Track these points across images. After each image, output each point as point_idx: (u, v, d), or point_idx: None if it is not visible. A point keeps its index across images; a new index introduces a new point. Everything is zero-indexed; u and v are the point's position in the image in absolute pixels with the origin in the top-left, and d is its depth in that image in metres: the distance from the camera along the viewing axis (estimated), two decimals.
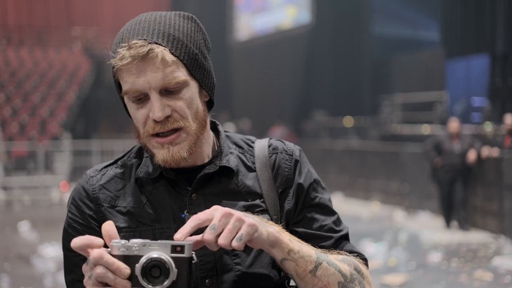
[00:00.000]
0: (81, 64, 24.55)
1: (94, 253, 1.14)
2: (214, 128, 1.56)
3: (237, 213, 1.23)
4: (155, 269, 1.16)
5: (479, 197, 10.42)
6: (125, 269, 1.15)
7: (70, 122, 20.95)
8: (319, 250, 1.39)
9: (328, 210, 1.54)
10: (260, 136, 1.80)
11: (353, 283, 1.41)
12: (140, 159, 1.50)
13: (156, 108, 1.34)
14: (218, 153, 1.49)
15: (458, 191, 10.30)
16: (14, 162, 17.65)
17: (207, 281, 1.39)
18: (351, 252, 1.50)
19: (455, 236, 9.97)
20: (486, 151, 10.14)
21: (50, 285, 7.20)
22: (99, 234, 1.36)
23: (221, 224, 1.21)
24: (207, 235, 1.21)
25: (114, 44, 1.38)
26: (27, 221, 11.14)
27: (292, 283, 1.49)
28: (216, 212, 1.23)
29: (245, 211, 1.39)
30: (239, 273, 1.41)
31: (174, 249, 1.17)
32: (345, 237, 1.54)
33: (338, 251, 1.47)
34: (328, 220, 1.52)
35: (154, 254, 1.16)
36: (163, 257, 1.16)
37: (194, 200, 1.43)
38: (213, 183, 1.46)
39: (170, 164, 1.39)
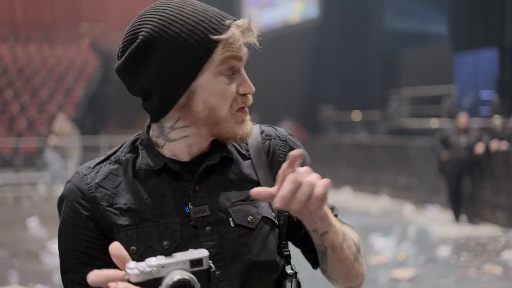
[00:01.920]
0: (88, 60, 24.59)
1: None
2: None
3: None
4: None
5: (488, 190, 10.38)
6: None
7: (78, 118, 20.98)
8: (338, 220, 1.46)
9: None
10: None
11: (359, 253, 1.49)
12: (135, 153, 1.46)
13: (249, 81, 1.42)
14: (216, 143, 1.46)
15: (466, 185, 10.28)
16: (23, 159, 17.70)
17: (217, 272, 1.37)
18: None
19: (464, 230, 9.94)
20: (495, 145, 10.10)
21: (59, 281, 7.16)
22: (98, 233, 1.37)
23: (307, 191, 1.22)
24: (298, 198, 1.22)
25: (208, 23, 1.36)
26: (36, 217, 11.18)
27: (288, 269, 1.49)
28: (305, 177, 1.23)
29: (247, 200, 1.42)
30: (248, 262, 1.40)
31: (193, 264, 1.15)
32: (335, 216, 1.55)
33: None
34: None
35: (178, 275, 1.12)
36: (186, 277, 1.12)
37: (198, 192, 1.40)
38: (214, 174, 1.44)
39: (245, 139, 1.44)
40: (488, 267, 7.61)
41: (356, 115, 18.65)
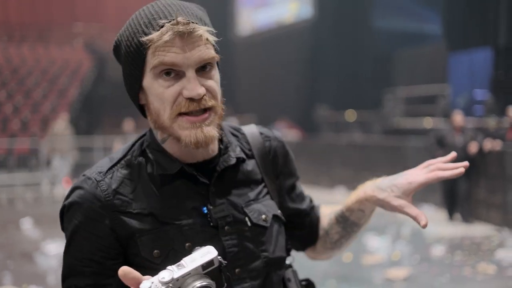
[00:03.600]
0: (83, 61, 24.54)
1: None
2: None
3: None
4: None
5: (482, 190, 10.39)
6: None
7: (72, 118, 20.92)
8: None
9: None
10: None
11: None
12: (145, 156, 1.46)
13: (196, 85, 1.33)
14: (228, 144, 1.50)
15: (461, 184, 10.28)
16: (16, 159, 17.66)
17: (237, 270, 1.41)
18: (312, 206, 1.75)
19: (459, 229, 9.95)
20: (489, 144, 10.11)
21: (54, 282, 7.19)
22: (115, 243, 1.38)
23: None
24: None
25: (144, 23, 1.35)
26: (30, 218, 11.14)
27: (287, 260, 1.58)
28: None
29: (256, 199, 1.49)
30: (266, 260, 1.45)
31: (204, 267, 1.15)
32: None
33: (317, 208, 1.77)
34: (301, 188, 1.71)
35: (197, 284, 1.12)
36: (204, 283, 1.13)
37: (214, 193, 1.44)
38: (226, 175, 1.47)
39: (201, 145, 1.36)
40: (482, 266, 7.60)
41: (351, 115, 18.66)
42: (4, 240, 9.88)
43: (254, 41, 25.52)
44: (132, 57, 1.37)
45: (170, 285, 1.11)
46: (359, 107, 18.43)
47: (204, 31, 1.34)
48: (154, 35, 1.32)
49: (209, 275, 1.15)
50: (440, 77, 16.22)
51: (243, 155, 1.50)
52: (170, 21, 1.32)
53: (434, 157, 8.61)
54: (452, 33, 15.65)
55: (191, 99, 1.33)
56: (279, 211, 1.53)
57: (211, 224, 1.41)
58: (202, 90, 1.33)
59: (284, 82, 22.62)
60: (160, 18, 1.34)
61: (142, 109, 1.45)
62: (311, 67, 21.06)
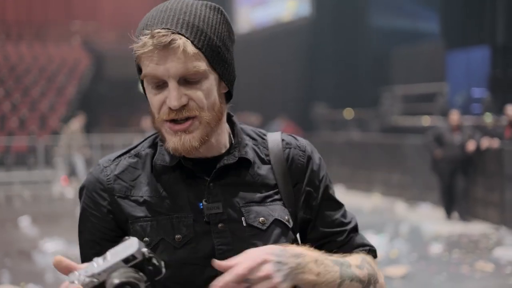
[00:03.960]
0: (80, 59, 24.50)
1: None
2: (229, 119, 1.55)
3: (269, 268, 1.25)
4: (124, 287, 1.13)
5: (480, 188, 10.40)
6: None
7: (70, 116, 20.91)
8: (342, 259, 1.43)
9: (336, 204, 1.59)
10: (262, 128, 1.80)
11: (370, 285, 1.48)
12: (154, 148, 1.51)
13: (173, 97, 1.35)
14: (236, 144, 1.50)
15: (459, 183, 10.30)
16: (14, 157, 17.64)
17: None
18: (362, 245, 1.57)
19: (456, 227, 9.96)
20: (486, 142, 10.12)
21: (51, 280, 7.18)
22: (114, 225, 1.44)
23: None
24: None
25: (138, 30, 1.39)
26: (28, 216, 11.13)
27: None
28: (248, 263, 1.24)
29: (261, 202, 1.46)
30: None
31: (127, 260, 1.15)
32: (355, 229, 1.59)
33: (356, 251, 1.55)
34: (338, 214, 1.57)
35: (116, 280, 1.12)
36: (124, 279, 1.12)
37: (211, 189, 1.44)
38: (230, 173, 1.47)
39: (180, 153, 1.40)
40: (480, 264, 7.62)
41: (349, 113, 18.66)
42: (2, 238, 9.88)
43: (252, 39, 25.49)
44: (135, 59, 1.42)
45: (93, 279, 1.13)
46: (357, 105, 18.42)
47: (183, 43, 1.32)
48: (137, 45, 1.36)
49: (136, 267, 1.15)
50: (438, 75, 16.23)
51: (249, 157, 1.49)
52: (149, 33, 1.34)
53: (432, 155, 8.67)
54: (450, 32, 15.66)
55: (171, 109, 1.36)
56: (286, 217, 1.48)
57: (205, 220, 1.42)
58: (179, 102, 1.35)
59: (282, 80, 22.60)
60: (148, 26, 1.36)
61: None
62: (309, 65, 21.04)
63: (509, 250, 8.28)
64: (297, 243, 1.51)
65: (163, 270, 1.20)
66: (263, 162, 1.52)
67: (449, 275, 7.22)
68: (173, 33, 1.33)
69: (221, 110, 1.43)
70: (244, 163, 1.49)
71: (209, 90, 1.38)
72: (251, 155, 1.50)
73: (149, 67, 1.35)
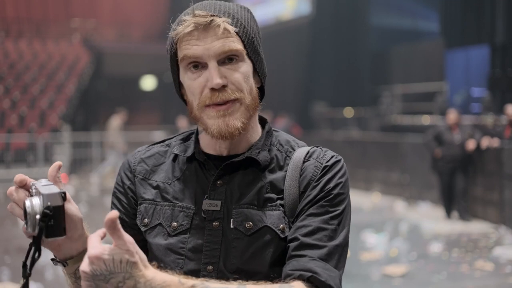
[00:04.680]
0: (80, 56, 24.48)
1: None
2: (262, 124, 1.58)
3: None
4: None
5: (480, 187, 10.41)
6: None
7: (70, 114, 20.91)
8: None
9: (334, 221, 1.41)
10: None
11: None
12: (185, 141, 1.57)
13: (215, 74, 1.38)
14: (257, 145, 1.50)
15: (459, 182, 10.31)
16: (14, 154, 17.63)
17: (209, 267, 1.41)
18: (305, 270, 1.33)
19: (456, 226, 9.97)
20: (486, 142, 10.13)
21: (51, 277, 7.19)
22: (133, 202, 1.54)
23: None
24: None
25: (177, 20, 1.44)
26: None
27: None
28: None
29: (260, 206, 1.43)
30: (233, 267, 1.40)
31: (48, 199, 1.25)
32: (318, 249, 1.36)
33: (290, 276, 1.33)
34: (316, 223, 1.40)
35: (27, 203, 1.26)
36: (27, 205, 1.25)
37: (218, 186, 1.45)
38: (240, 172, 1.47)
39: (225, 136, 1.40)
40: (480, 263, 7.63)
41: (348, 112, 18.67)
42: (2, 236, 9.88)
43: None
44: (169, 54, 1.46)
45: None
46: (357, 104, 18.43)
47: (222, 22, 1.38)
48: (178, 29, 1.40)
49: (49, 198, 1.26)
50: (438, 74, 16.24)
51: (259, 158, 1.46)
52: (191, 14, 1.39)
53: (432, 154, 8.68)
54: (450, 31, 15.66)
55: (213, 90, 1.38)
56: (281, 226, 1.41)
57: (203, 215, 1.44)
58: (221, 81, 1.38)
59: (282, 79, 22.60)
60: (186, 14, 1.41)
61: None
62: (308, 63, 21.04)
63: (509, 249, 8.30)
64: None
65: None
66: (280, 168, 1.49)
67: (449, 274, 7.23)
68: (212, 15, 1.39)
69: (257, 99, 1.47)
70: (254, 164, 1.48)
71: (247, 73, 1.43)
72: (263, 157, 1.48)
73: (188, 49, 1.39)
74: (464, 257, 8.02)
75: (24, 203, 1.27)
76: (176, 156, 1.54)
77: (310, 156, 1.49)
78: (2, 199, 14.84)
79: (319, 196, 1.42)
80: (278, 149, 1.52)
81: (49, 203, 1.23)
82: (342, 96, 19.19)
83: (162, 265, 1.37)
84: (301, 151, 1.51)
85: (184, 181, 1.49)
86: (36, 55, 24.11)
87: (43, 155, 17.73)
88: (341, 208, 1.42)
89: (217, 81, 1.37)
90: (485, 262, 7.67)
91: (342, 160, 1.52)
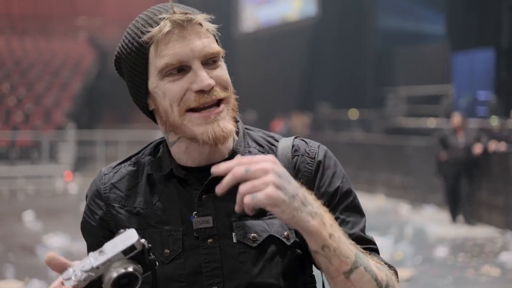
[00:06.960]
0: (85, 54, 24.51)
1: None
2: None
3: (273, 178, 1.11)
4: (123, 280, 1.10)
5: (485, 191, 10.37)
6: None
7: (75, 112, 20.93)
8: (361, 251, 1.29)
9: (358, 214, 1.43)
10: (264, 127, 1.75)
11: None
12: (155, 156, 1.42)
13: (204, 76, 1.27)
14: (234, 153, 1.37)
15: (464, 185, 10.27)
16: (18, 152, 17.65)
17: None
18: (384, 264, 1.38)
19: (461, 230, 9.94)
20: (494, 145, 10.09)
21: (55, 275, 7.15)
22: (107, 234, 1.35)
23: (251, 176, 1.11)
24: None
25: (142, 25, 1.32)
26: (31, 211, 11.13)
27: None
28: (257, 164, 1.12)
29: (257, 216, 1.32)
30: (244, 282, 1.31)
31: (126, 252, 1.11)
32: (374, 250, 1.43)
33: (377, 257, 1.37)
34: (357, 228, 1.41)
35: (114, 273, 1.09)
36: (123, 270, 1.10)
37: (204, 202, 1.33)
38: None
39: (219, 140, 1.28)
40: (486, 268, 7.60)
41: (353, 114, 18.64)
42: (5, 233, 9.87)
43: (258, 38, 25.50)
44: (134, 62, 1.32)
45: (91, 273, 1.10)
46: (361, 106, 18.42)
47: (202, 19, 1.29)
48: (154, 30, 1.28)
49: (134, 259, 1.12)
50: (443, 77, 16.22)
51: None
52: (167, 14, 1.29)
53: (437, 157, 8.64)
54: (455, 34, 15.65)
55: (201, 92, 1.27)
56: (285, 233, 1.34)
57: (195, 234, 1.33)
58: (211, 81, 1.27)
59: (286, 79, 22.61)
60: (158, 14, 1.31)
61: (153, 116, 1.40)
62: (313, 64, 21.05)
63: None
64: (303, 260, 1.37)
65: (157, 262, 1.18)
66: None
67: (454, 278, 7.20)
68: (187, 13, 1.28)
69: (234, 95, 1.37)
70: None
71: (226, 73, 1.34)
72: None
73: (168, 55, 1.27)
74: (470, 261, 7.99)
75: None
76: (149, 175, 1.40)
77: (295, 151, 1.41)
78: (6, 196, 14.87)
79: (340, 204, 1.39)
80: (258, 150, 1.41)
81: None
82: (346, 98, 19.20)
83: None
84: (284, 147, 1.41)
85: (165, 202, 1.36)
86: (41, 52, 24.15)
87: (47, 153, 17.76)
88: (351, 196, 1.42)
89: (209, 81, 1.27)
90: (491, 267, 7.64)
91: (325, 147, 1.44)
